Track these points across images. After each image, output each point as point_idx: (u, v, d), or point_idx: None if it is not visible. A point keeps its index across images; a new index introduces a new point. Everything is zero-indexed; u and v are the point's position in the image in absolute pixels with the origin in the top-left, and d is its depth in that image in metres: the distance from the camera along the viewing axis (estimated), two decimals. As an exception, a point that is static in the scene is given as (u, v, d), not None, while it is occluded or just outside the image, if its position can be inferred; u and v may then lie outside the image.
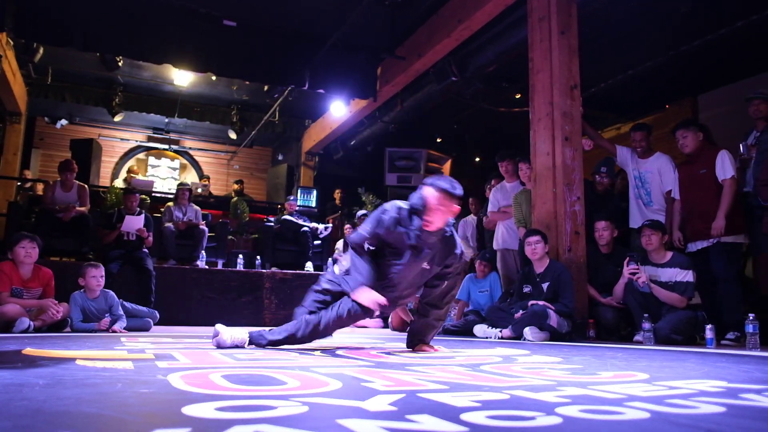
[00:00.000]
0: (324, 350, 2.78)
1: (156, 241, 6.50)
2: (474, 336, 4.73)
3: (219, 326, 2.84)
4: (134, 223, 6.04)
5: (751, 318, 3.26)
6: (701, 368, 2.06)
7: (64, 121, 10.60)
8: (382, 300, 2.74)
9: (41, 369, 1.72)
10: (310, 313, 2.88)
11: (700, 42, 5.94)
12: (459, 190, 2.68)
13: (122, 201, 6.59)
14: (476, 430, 0.94)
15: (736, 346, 3.62)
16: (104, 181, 10.08)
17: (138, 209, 6.29)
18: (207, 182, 10.53)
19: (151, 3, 6.11)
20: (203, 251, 6.87)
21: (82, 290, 4.42)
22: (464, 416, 1.05)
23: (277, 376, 1.63)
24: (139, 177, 10.45)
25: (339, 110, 8.54)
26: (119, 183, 9.72)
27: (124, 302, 4.70)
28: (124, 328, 4.46)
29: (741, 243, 4.22)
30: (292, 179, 10.76)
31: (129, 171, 10.31)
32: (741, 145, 4.36)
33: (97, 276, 4.40)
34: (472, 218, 6.70)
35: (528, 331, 4.04)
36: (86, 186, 6.68)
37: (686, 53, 6.18)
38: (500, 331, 4.36)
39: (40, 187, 8.68)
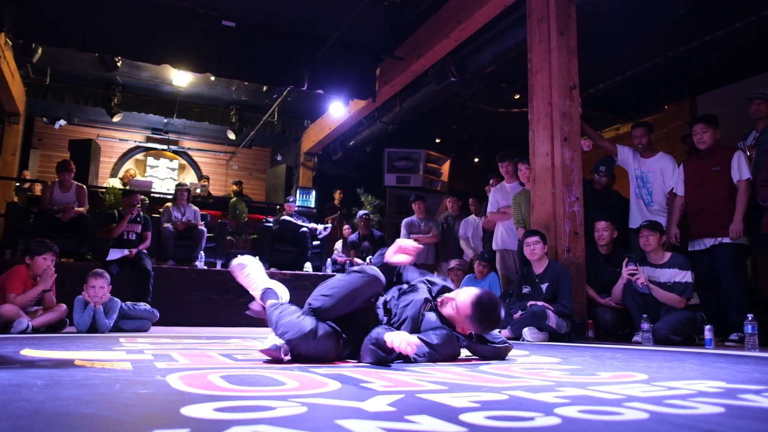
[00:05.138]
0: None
1: (155, 242, 6.48)
2: (473, 336, 4.71)
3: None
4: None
5: (750, 318, 3.26)
6: (700, 369, 2.06)
7: (62, 122, 10.58)
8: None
9: (40, 370, 1.72)
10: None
11: (699, 43, 5.96)
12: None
13: (121, 202, 6.57)
14: (475, 430, 0.94)
15: (737, 347, 3.62)
16: (103, 181, 10.07)
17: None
18: (206, 183, 10.52)
19: (150, 3, 6.11)
20: (202, 252, 6.86)
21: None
22: (463, 417, 1.05)
23: (276, 377, 1.62)
24: (138, 178, 10.42)
25: (338, 111, 8.54)
26: (115, 182, 9.70)
27: (122, 303, 4.63)
28: (123, 331, 4.44)
29: (748, 245, 4.17)
30: (291, 180, 10.76)
31: (126, 173, 10.29)
32: (740, 145, 4.36)
33: (96, 286, 4.23)
34: (473, 218, 6.70)
35: (527, 332, 4.04)
36: (84, 186, 6.67)
37: (685, 54, 6.20)
38: (499, 332, 4.35)
39: (38, 187, 8.67)
